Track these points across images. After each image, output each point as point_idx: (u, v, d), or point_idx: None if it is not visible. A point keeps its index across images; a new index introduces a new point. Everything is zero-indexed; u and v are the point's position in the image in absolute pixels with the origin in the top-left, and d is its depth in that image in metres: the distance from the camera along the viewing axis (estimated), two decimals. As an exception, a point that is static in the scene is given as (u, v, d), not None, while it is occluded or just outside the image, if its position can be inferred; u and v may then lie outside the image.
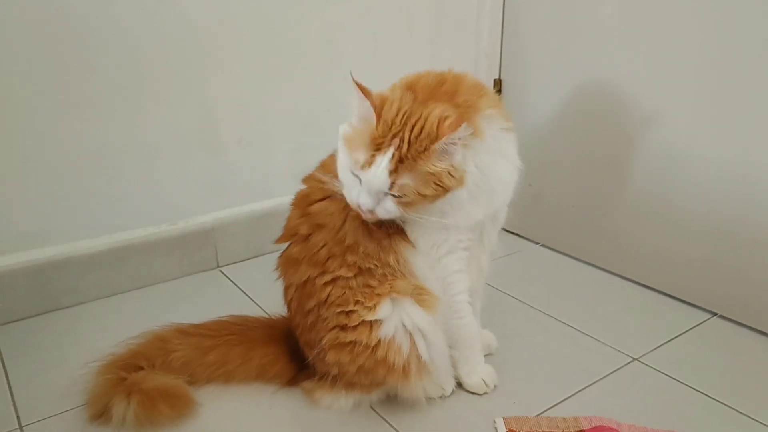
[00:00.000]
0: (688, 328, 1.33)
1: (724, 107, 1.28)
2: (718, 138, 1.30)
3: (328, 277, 0.99)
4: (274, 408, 1.08)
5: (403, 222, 0.98)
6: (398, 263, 0.98)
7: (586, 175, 1.58)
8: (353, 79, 0.89)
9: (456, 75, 0.96)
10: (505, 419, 1.03)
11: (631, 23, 1.41)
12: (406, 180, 0.87)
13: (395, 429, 1.03)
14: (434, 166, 0.86)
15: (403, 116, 0.87)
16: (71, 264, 1.38)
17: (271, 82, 1.54)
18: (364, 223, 0.97)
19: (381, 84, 0.95)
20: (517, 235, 1.78)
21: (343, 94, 1.62)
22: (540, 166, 1.66)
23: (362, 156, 0.88)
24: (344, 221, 0.98)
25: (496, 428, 1.02)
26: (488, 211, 1.00)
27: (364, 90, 0.88)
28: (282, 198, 1.58)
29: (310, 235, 1.01)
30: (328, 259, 0.98)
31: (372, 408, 1.07)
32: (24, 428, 1.03)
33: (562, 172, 1.64)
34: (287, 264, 1.05)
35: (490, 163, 0.95)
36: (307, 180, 1.07)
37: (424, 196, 0.88)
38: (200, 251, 1.55)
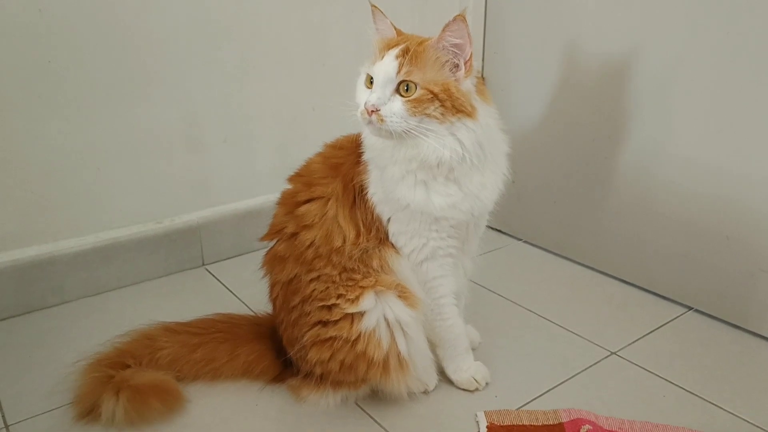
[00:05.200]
0: (665, 322, 1.36)
1: (701, 109, 1.31)
2: (695, 138, 1.33)
3: (314, 274, 1.00)
4: (261, 404, 1.09)
5: (389, 220, 1.00)
6: (382, 268, 1.01)
7: (568, 173, 1.61)
8: (371, 4, 0.97)
9: None
10: (486, 413, 1.05)
11: (614, 24, 1.43)
12: (413, 68, 0.89)
13: (379, 424, 1.05)
14: (440, 57, 0.90)
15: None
16: (56, 263, 1.38)
17: (255, 81, 1.55)
18: (350, 225, 0.99)
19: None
20: (500, 231, 1.81)
21: (327, 92, 1.64)
22: (523, 164, 1.69)
23: (376, 58, 0.94)
24: (332, 223, 1.00)
25: (477, 422, 1.04)
26: (474, 210, 1.00)
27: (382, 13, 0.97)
28: (267, 196, 1.60)
29: (296, 233, 1.02)
30: (314, 259, 1.00)
31: (357, 404, 1.09)
32: (10, 427, 1.03)
33: (544, 170, 1.67)
34: (273, 261, 1.07)
35: (491, 135, 0.98)
36: (292, 179, 1.08)
37: (433, 95, 0.89)
38: (186, 249, 1.56)
